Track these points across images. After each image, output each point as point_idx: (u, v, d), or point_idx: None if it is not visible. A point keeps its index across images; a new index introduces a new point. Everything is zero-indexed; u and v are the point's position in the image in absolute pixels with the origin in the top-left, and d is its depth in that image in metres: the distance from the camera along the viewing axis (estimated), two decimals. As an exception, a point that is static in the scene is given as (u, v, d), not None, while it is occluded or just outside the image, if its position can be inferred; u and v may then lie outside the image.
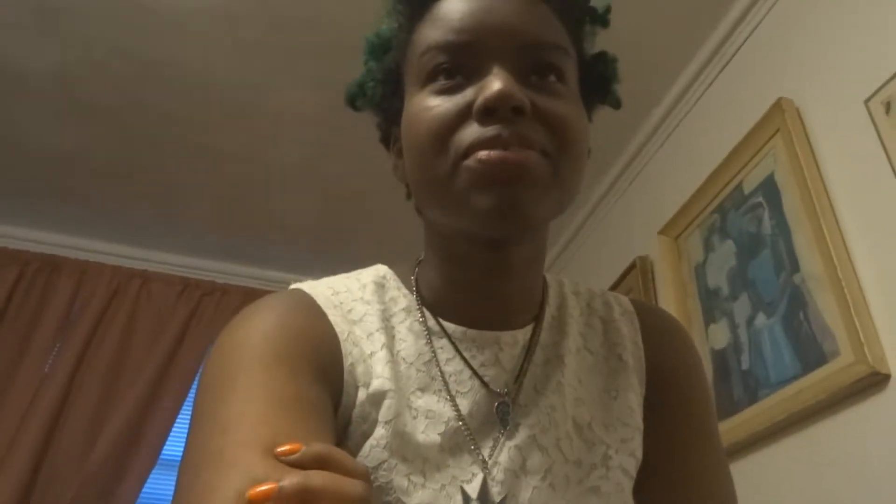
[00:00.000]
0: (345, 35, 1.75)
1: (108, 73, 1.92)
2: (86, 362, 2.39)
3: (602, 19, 0.62)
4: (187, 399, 2.46)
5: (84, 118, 2.08)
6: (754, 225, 1.51)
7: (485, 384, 0.58)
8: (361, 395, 0.54)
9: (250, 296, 2.70)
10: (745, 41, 1.67)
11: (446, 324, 0.60)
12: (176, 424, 2.40)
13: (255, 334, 0.51)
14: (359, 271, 0.65)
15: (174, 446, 2.41)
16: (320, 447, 0.40)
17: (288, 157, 2.23)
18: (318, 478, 0.37)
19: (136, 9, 1.74)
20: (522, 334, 0.61)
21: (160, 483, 2.39)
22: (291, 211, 2.49)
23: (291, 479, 0.36)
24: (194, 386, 2.49)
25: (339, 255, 2.68)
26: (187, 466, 0.44)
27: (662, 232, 1.84)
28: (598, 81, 0.63)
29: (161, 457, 2.34)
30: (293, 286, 0.61)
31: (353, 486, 0.38)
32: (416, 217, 0.63)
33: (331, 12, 1.73)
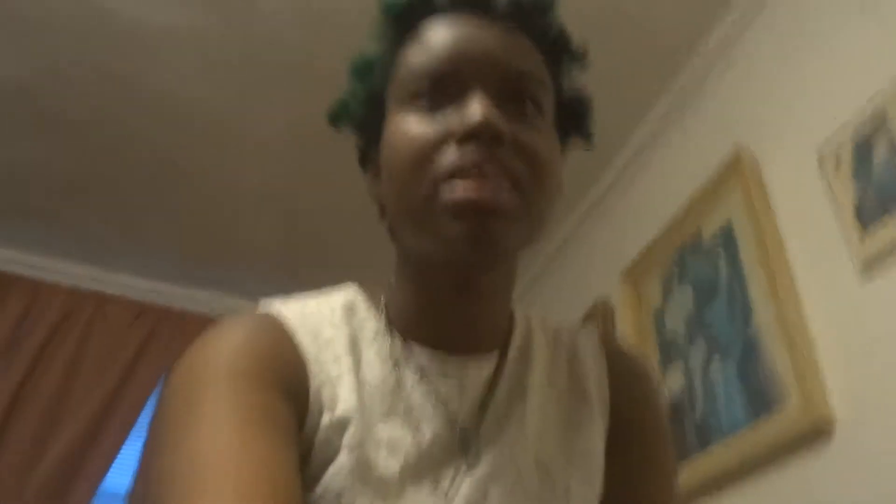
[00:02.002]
0: (316, 63, 1.77)
1: (74, 87, 1.89)
2: (29, 386, 2.29)
3: (579, 58, 0.64)
4: (134, 430, 2.37)
5: (46, 131, 2.04)
6: (712, 271, 1.53)
7: (448, 413, 0.58)
8: (326, 419, 0.53)
9: (208, 323, 2.62)
10: (706, 91, 1.72)
11: (412, 351, 0.60)
12: (120, 455, 2.31)
13: (222, 353, 0.51)
14: (329, 291, 0.64)
15: (116, 478, 2.31)
16: None
17: (253, 183, 2.21)
18: None
19: (107, 24, 1.73)
20: (488, 365, 0.61)
21: (99, 516, 2.28)
22: (255, 237, 2.46)
23: None
24: (142, 417, 2.40)
25: (300, 284, 2.61)
26: (151, 491, 0.44)
27: (623, 275, 1.86)
28: (573, 118, 0.65)
29: (102, 489, 2.24)
30: (261, 304, 0.61)
31: None
32: (381, 249, 0.63)
33: (303, 40, 1.74)
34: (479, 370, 0.60)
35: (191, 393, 0.48)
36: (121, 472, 2.32)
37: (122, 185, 2.23)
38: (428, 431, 0.56)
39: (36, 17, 1.71)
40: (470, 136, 0.51)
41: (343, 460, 0.52)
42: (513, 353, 0.63)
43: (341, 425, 0.53)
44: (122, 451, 2.31)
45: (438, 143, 0.53)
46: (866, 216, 1.14)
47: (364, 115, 0.63)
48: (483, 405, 0.59)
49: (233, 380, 0.48)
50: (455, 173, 0.51)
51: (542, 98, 0.57)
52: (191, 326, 2.61)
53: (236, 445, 0.42)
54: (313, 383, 0.54)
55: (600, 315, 1.93)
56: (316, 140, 1.99)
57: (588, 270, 2.15)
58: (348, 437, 0.53)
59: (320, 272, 2.57)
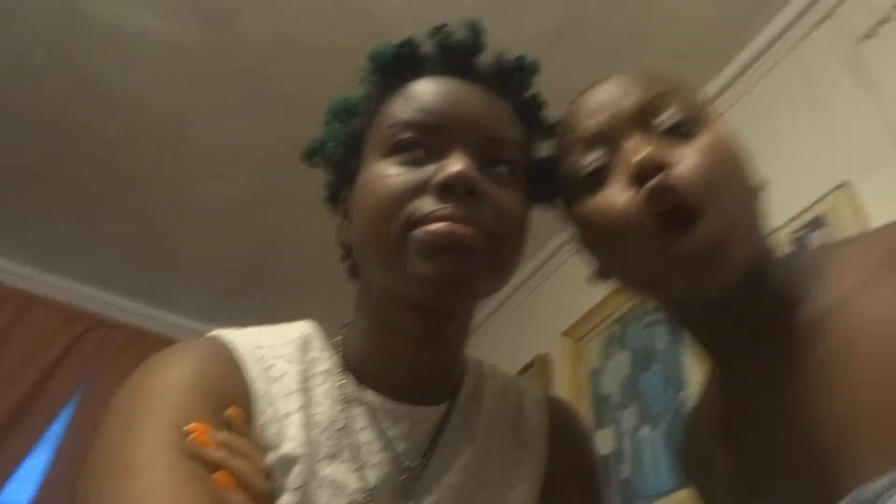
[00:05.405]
0: (289, 87, 1.79)
1: (37, 80, 1.85)
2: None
3: (550, 131, 0.67)
4: (41, 442, 2.23)
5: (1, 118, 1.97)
6: (650, 339, 1.59)
7: (395, 457, 0.58)
8: (271, 457, 0.53)
9: (137, 336, 2.53)
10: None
11: (364, 392, 0.60)
12: (24, 468, 2.17)
13: (167, 384, 0.50)
14: (285, 325, 0.64)
15: (17, 489, 2.17)
16: (228, 436, 0.48)
17: (209, 200, 2.18)
18: (239, 462, 0.46)
19: (84, 25, 1.71)
20: (437, 411, 0.62)
21: (-10, 530, 2.13)
22: (203, 255, 2.41)
23: (219, 452, 0.45)
24: (52, 429, 2.26)
25: (245, 307, 2.59)
26: None
27: (566, 333, 1.91)
28: (540, 182, 0.68)
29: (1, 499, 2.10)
30: (215, 333, 0.60)
31: (263, 481, 0.47)
32: (335, 282, 0.63)
33: (279, 66, 1.76)
34: (428, 415, 0.61)
35: (132, 423, 0.47)
36: (22, 484, 2.18)
37: (70, 184, 2.16)
38: (373, 475, 0.56)
39: (13, 7, 1.68)
40: (447, 186, 0.53)
41: (286, 501, 0.51)
42: (462, 400, 0.65)
43: (286, 465, 0.53)
44: (26, 462, 2.17)
45: (415, 191, 0.55)
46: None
47: (341, 155, 0.65)
48: (429, 451, 0.60)
49: (175, 414, 0.47)
50: (428, 219, 0.53)
51: (516, 162, 0.61)
52: (119, 336, 2.51)
53: (170, 491, 0.41)
54: (259, 420, 0.54)
55: (539, 369, 1.97)
56: (282, 165, 1.99)
57: (530, 325, 2.19)
58: (293, 478, 0.52)
59: (267, 300, 2.53)
